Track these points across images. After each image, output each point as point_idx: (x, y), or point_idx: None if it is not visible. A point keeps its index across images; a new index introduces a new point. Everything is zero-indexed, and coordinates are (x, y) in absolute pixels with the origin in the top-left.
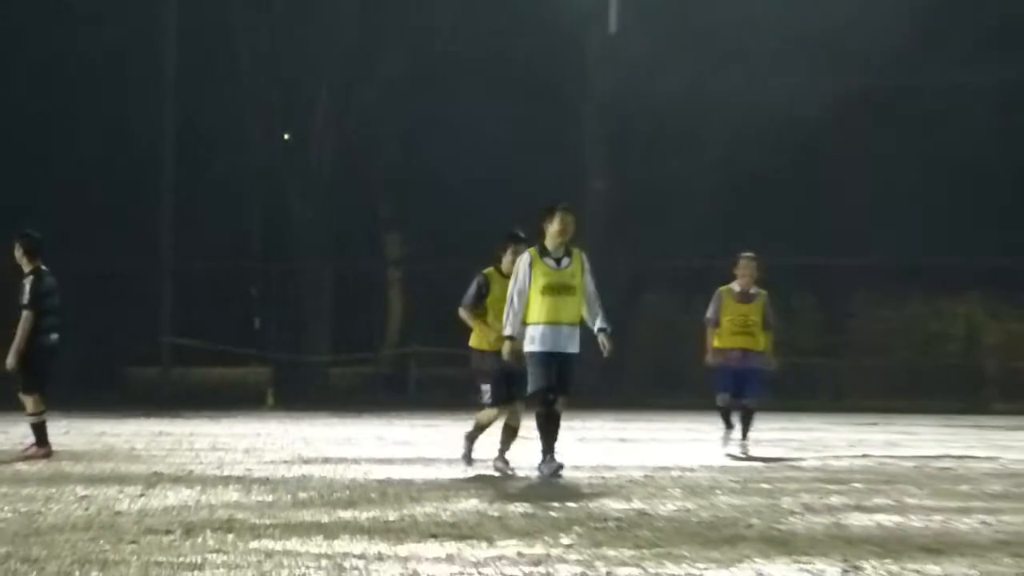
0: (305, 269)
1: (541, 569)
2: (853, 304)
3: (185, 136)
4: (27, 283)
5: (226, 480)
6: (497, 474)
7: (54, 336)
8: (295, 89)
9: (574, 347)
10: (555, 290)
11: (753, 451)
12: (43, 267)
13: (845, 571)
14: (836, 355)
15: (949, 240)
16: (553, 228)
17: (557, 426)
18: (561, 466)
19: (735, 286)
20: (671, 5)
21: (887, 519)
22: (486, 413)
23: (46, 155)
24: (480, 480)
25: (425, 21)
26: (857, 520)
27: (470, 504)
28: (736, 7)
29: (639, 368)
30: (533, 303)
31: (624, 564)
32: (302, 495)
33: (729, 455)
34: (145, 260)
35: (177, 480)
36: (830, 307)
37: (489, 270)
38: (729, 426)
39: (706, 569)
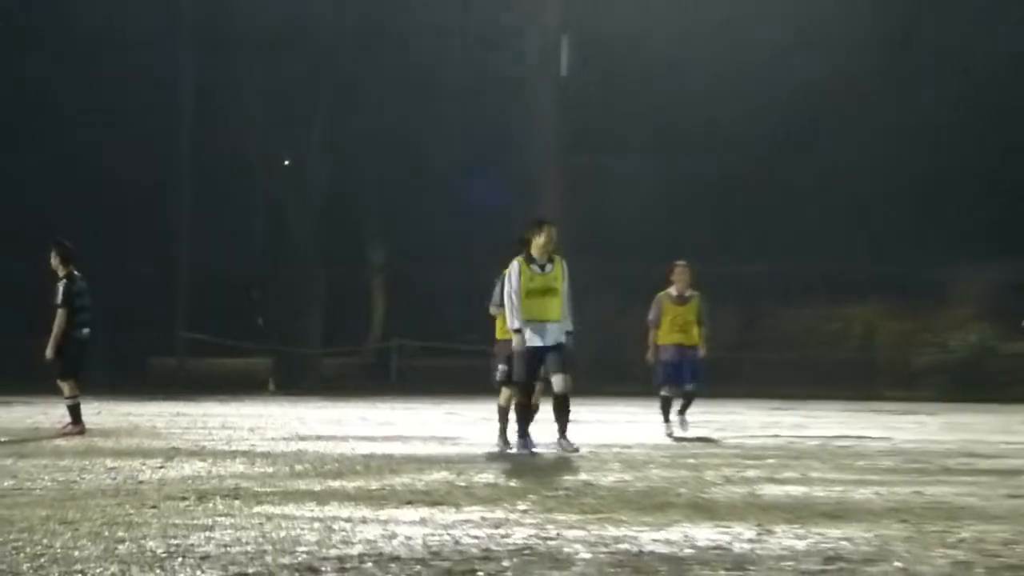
0: (301, 274)
1: (501, 531)
2: (768, 305)
3: (200, 161)
4: (60, 286)
5: (233, 454)
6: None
7: (85, 331)
8: (294, 120)
9: (561, 338)
10: (540, 292)
11: (682, 432)
12: (75, 272)
13: (759, 533)
14: (753, 349)
15: (852, 250)
16: (540, 240)
17: (530, 408)
18: (526, 447)
19: (672, 291)
20: (615, 44)
21: (795, 489)
22: (503, 395)
23: (89, 180)
24: (449, 454)
25: (405, 58)
26: (769, 490)
27: (441, 475)
28: (673, 36)
29: (586, 360)
30: (521, 304)
31: (571, 527)
32: (298, 467)
33: (669, 434)
34: (165, 266)
35: (192, 454)
36: (749, 308)
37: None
38: (667, 419)
39: (641, 531)
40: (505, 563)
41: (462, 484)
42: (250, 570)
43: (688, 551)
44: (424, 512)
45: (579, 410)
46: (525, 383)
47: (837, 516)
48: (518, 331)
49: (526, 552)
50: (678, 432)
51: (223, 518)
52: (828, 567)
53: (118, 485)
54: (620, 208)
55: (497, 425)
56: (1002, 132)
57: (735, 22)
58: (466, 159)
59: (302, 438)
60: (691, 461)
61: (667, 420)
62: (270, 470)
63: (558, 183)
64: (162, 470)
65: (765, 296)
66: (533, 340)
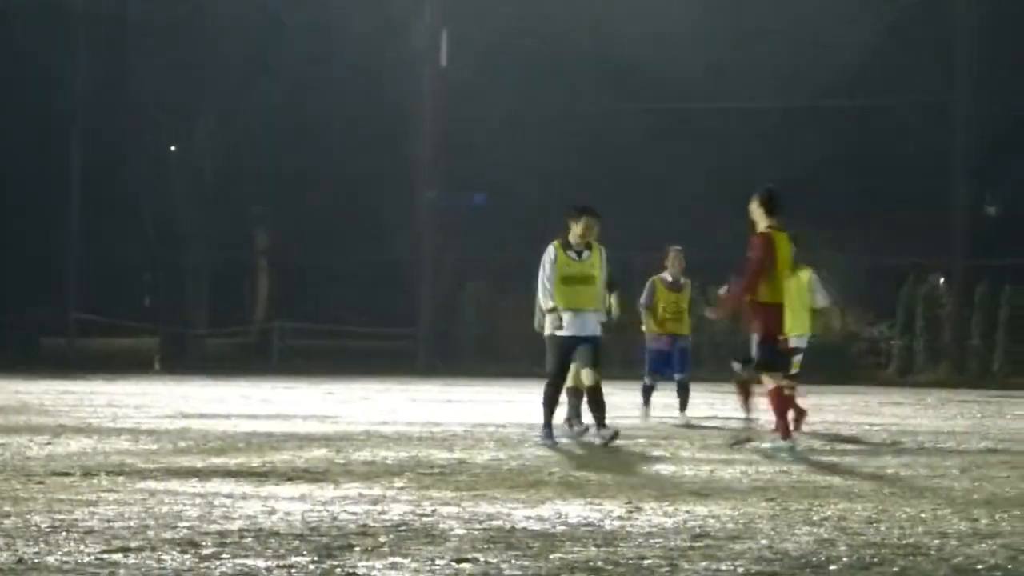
0: (189, 258)
1: (378, 507)
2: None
3: (92, 147)
4: None
5: (119, 431)
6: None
7: None
8: (183, 110)
9: (597, 330)
10: (577, 280)
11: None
12: None
13: (629, 511)
14: (622, 334)
15: (720, 236)
16: (577, 229)
17: (557, 402)
18: (584, 430)
19: (667, 275)
20: (494, 41)
21: (664, 468)
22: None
23: None
24: (328, 432)
25: (288, 56)
26: (639, 469)
27: (320, 453)
28: (550, 37)
29: (464, 342)
30: (557, 291)
31: (447, 504)
32: (181, 444)
33: (645, 419)
34: (56, 250)
35: (78, 431)
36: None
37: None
38: (647, 403)
39: (514, 508)
40: (382, 539)
41: (340, 461)
42: (132, 544)
43: (560, 528)
44: (303, 488)
45: (453, 390)
46: (557, 375)
47: (705, 494)
48: (553, 310)
49: (402, 528)
50: (680, 423)
51: (107, 493)
52: (696, 544)
53: (5, 461)
54: (494, 197)
55: (565, 425)
56: (866, 119)
57: (614, 15)
58: (349, 146)
59: (186, 416)
60: (565, 441)
61: (646, 404)
62: (154, 447)
63: (436, 174)
64: (49, 446)
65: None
66: (571, 329)
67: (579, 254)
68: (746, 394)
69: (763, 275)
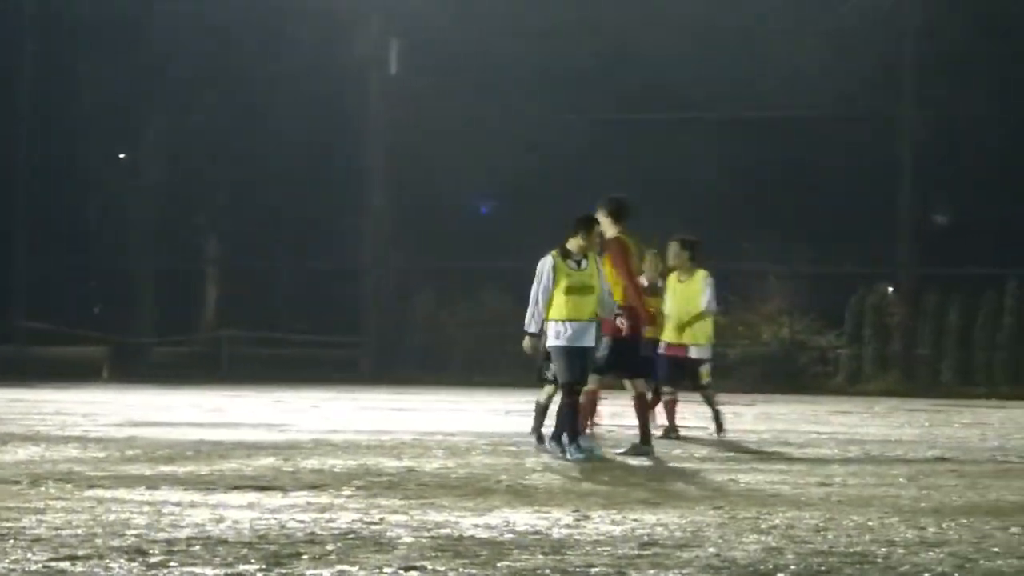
0: (137, 266)
1: (326, 515)
2: None
3: (37, 153)
4: None
5: (67, 439)
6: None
7: None
8: (130, 116)
9: (592, 341)
10: (577, 290)
11: (502, 421)
12: None
13: (577, 519)
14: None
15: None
16: (586, 240)
17: (578, 413)
18: (591, 451)
19: (642, 279)
20: (444, 48)
21: (613, 476)
22: (544, 391)
23: None
24: (277, 441)
25: (237, 63)
26: (587, 477)
27: (268, 461)
28: (497, 47)
29: (410, 350)
30: (557, 301)
31: (395, 512)
32: (130, 452)
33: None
34: (2, 258)
35: (26, 439)
36: None
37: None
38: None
39: (462, 516)
40: (329, 547)
41: (289, 470)
42: (80, 552)
43: (508, 536)
44: (252, 497)
45: (401, 399)
46: (574, 383)
47: (653, 503)
48: (535, 335)
49: (350, 536)
50: (615, 429)
51: (55, 501)
52: (644, 552)
53: None
54: (443, 206)
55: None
56: (814, 129)
57: (562, 25)
58: (298, 154)
59: (134, 424)
60: (512, 449)
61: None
62: (102, 455)
63: (383, 180)
64: None
65: None
66: (571, 340)
67: (578, 263)
68: (651, 403)
69: (633, 275)
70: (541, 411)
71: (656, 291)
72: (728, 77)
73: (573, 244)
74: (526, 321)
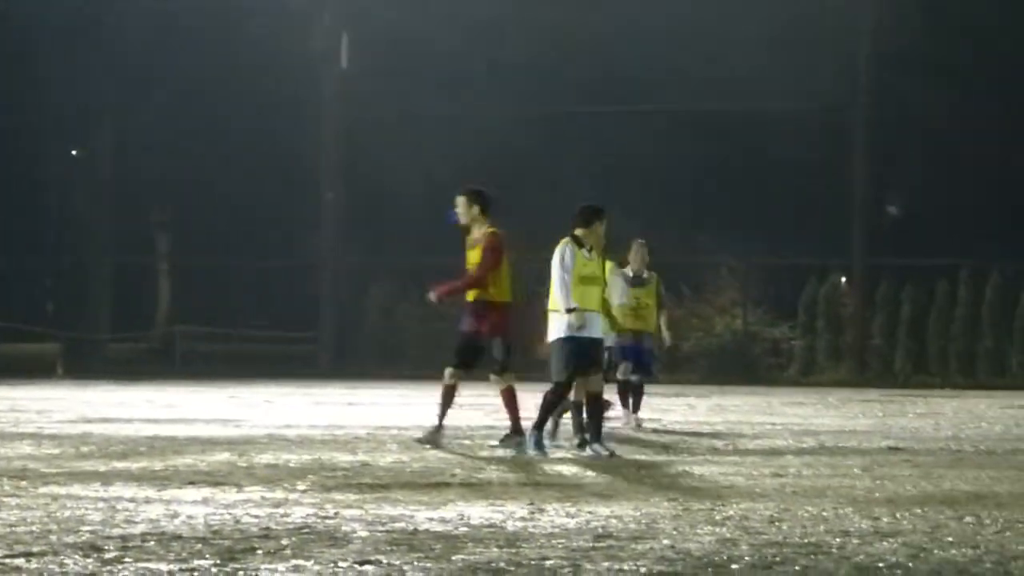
0: (90, 262)
1: (281, 510)
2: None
3: None
4: None
5: (21, 436)
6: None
7: None
8: (83, 113)
9: (599, 332)
10: (587, 279)
11: (456, 415)
12: None
13: (531, 512)
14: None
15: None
16: (600, 229)
17: (556, 409)
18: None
19: (628, 270)
20: (396, 44)
21: (567, 469)
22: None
23: None
24: (231, 436)
25: (189, 59)
26: (541, 470)
27: (223, 456)
28: (448, 42)
29: (365, 345)
30: (574, 290)
31: (349, 507)
32: (84, 448)
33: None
34: None
35: None
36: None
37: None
38: (625, 404)
39: (417, 510)
40: (284, 541)
41: (243, 465)
42: (35, 549)
43: (463, 529)
44: (206, 492)
45: (355, 393)
46: (568, 379)
47: (607, 495)
48: (572, 310)
49: (305, 531)
50: (632, 425)
51: (9, 498)
52: (598, 544)
53: None
54: (396, 200)
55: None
56: (765, 121)
57: (512, 18)
58: (251, 149)
59: (88, 420)
60: (466, 442)
61: (625, 405)
62: (56, 451)
63: (338, 175)
64: None
65: (540, 283)
66: (586, 331)
67: (589, 252)
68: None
69: (497, 273)
70: (576, 410)
71: (642, 282)
72: (681, 70)
73: (589, 234)
74: (562, 302)
